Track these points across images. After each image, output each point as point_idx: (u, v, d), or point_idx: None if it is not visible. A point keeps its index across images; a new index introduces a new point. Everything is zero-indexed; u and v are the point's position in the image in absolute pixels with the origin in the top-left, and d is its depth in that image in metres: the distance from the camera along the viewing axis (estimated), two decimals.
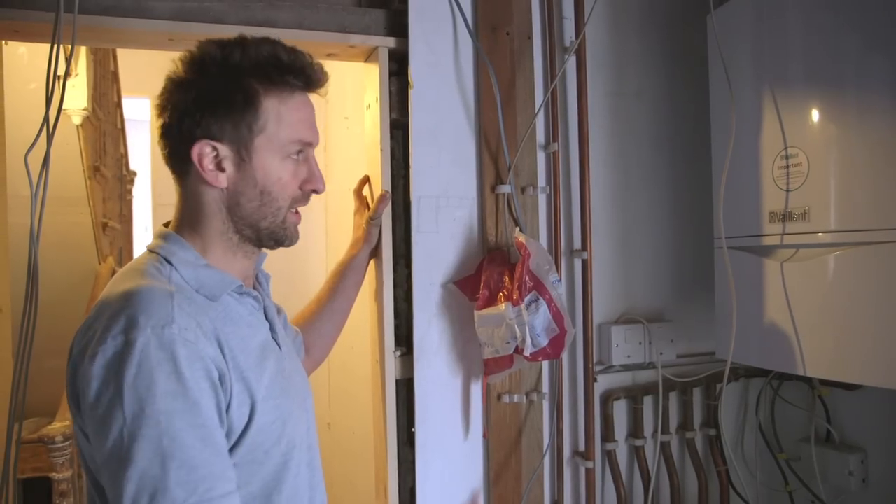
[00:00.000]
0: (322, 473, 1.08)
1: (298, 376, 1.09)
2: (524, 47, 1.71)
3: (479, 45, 1.65)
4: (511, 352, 1.46)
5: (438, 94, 1.64)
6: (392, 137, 1.63)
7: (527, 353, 1.44)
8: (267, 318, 1.05)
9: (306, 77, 1.01)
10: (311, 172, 1.04)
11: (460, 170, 1.65)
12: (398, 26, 1.63)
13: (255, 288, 1.11)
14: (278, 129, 0.99)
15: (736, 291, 1.52)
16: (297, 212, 1.06)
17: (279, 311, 1.19)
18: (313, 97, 1.06)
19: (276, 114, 0.99)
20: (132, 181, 4.12)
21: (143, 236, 5.09)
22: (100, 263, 3.09)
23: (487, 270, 1.55)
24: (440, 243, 1.62)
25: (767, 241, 1.48)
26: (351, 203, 1.63)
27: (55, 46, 1.33)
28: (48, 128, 1.33)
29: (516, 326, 1.44)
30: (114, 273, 3.27)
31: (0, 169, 1.43)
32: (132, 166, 4.23)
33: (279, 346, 1.04)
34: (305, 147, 1.03)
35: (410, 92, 1.61)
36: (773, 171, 1.47)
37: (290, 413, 0.98)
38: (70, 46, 1.39)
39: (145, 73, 4.94)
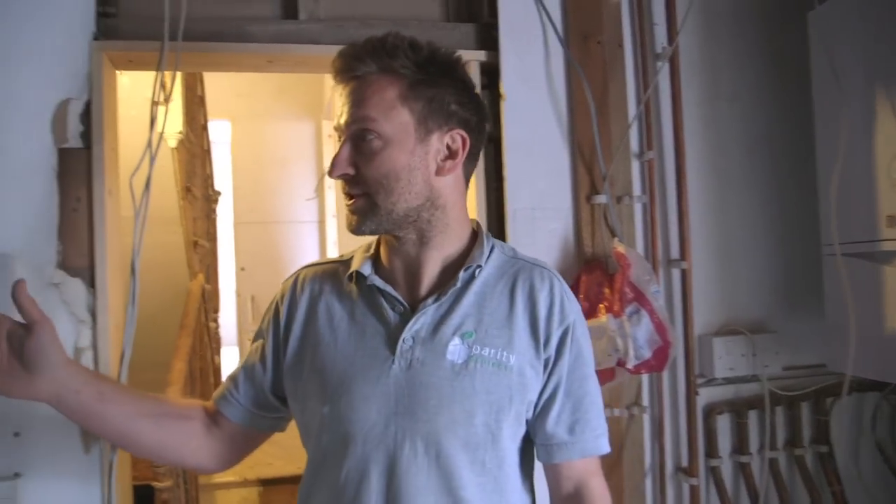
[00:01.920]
0: None
1: (407, 394, 0.96)
2: (616, 55, 1.68)
3: (570, 54, 1.64)
4: (613, 364, 1.43)
5: (530, 106, 1.63)
6: (485, 151, 1.63)
7: (630, 365, 1.41)
8: (389, 311, 1.01)
9: (335, 68, 1.01)
10: None
11: (554, 181, 1.63)
12: (488, 39, 1.64)
13: (440, 282, 1.02)
14: None
15: (851, 300, 1.44)
16: (347, 196, 1.00)
17: (460, 326, 0.99)
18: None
19: None
20: (217, 201, 4.26)
21: (227, 255, 5.26)
22: (191, 280, 3.20)
23: (586, 281, 1.53)
24: (536, 255, 1.57)
25: (886, 246, 1.40)
26: None
27: (160, 73, 1.39)
28: (151, 149, 1.39)
29: (618, 338, 1.41)
30: (203, 290, 3.39)
31: (115, 189, 1.50)
32: (216, 186, 4.38)
33: (387, 347, 0.98)
34: (338, 134, 1.02)
35: (502, 104, 1.61)
36: (891, 173, 1.40)
37: (352, 407, 0.97)
38: (170, 73, 1.45)
39: (226, 98, 5.18)
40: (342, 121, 0.98)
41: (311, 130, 5.77)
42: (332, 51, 1.54)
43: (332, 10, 1.62)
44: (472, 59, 1.62)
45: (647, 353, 1.42)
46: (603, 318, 1.44)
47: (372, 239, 1.09)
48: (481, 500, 0.95)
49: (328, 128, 5.62)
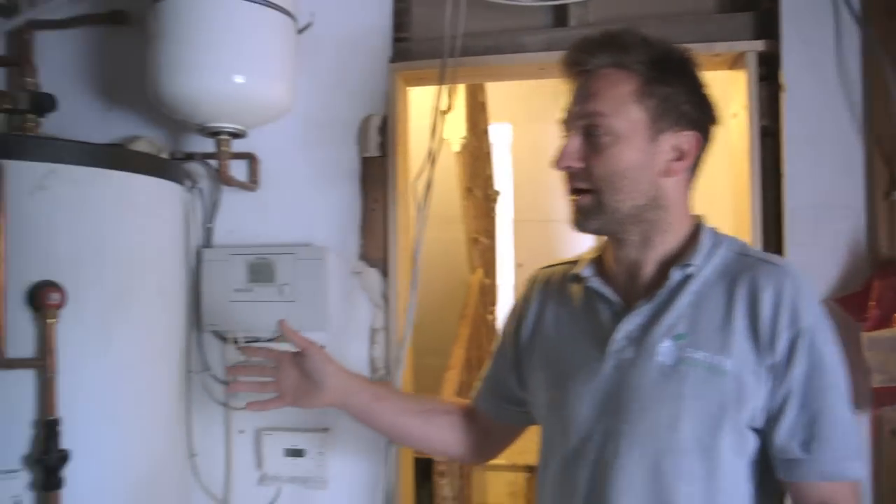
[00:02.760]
0: None
1: (625, 391, 0.97)
2: None
3: (870, 32, 1.47)
4: None
5: (815, 95, 1.51)
6: (764, 145, 1.55)
7: None
8: (605, 311, 1.02)
9: (566, 61, 1.03)
10: None
11: (842, 177, 1.49)
12: (767, 27, 1.55)
13: (651, 279, 1.01)
14: None
15: None
16: (570, 193, 1.02)
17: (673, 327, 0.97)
18: None
19: None
20: (496, 200, 4.54)
21: (505, 251, 5.55)
22: (471, 274, 3.47)
23: (879, 287, 1.38)
24: (818, 257, 1.48)
25: None
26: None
27: (442, 83, 1.56)
28: (432, 155, 1.56)
29: None
30: (482, 284, 3.64)
31: (405, 191, 1.72)
32: (496, 186, 4.66)
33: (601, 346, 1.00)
34: (563, 127, 1.03)
35: (782, 95, 1.51)
36: None
37: (565, 401, 1.01)
38: (457, 85, 1.61)
39: (506, 102, 5.46)
40: (572, 112, 1.00)
41: None
42: None
43: (600, 13, 1.66)
44: (749, 49, 1.54)
45: None
46: None
47: (603, 241, 1.10)
48: None
49: None
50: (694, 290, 0.97)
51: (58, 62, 1.76)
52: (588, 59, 0.98)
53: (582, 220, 1.00)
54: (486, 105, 3.97)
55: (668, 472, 0.93)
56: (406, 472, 1.69)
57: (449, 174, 3.05)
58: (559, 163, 0.99)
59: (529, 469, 3.11)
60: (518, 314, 1.17)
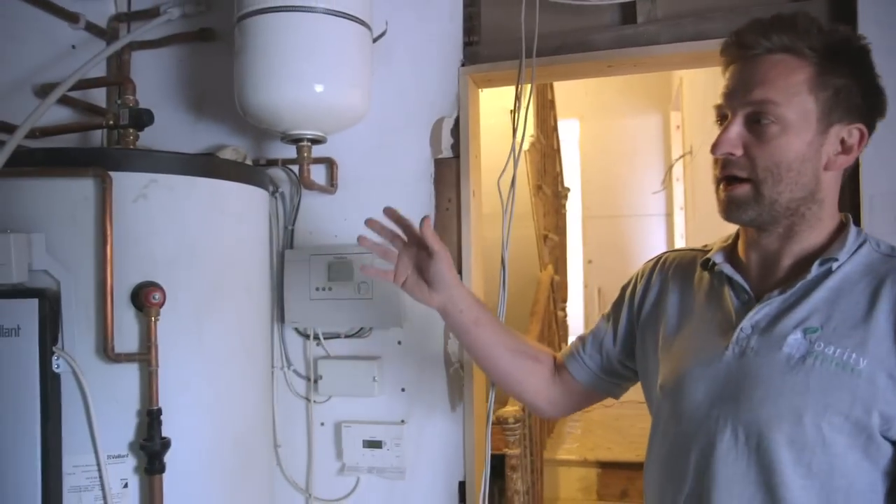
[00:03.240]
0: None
1: (744, 379, 0.96)
2: None
3: None
4: None
5: (892, 81, 1.46)
6: None
7: None
8: (734, 298, 1.02)
9: (732, 42, 0.99)
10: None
11: None
12: (844, 11, 1.52)
13: (784, 275, 1.00)
14: None
15: None
16: (723, 181, 0.98)
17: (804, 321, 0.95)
18: None
19: None
20: (566, 196, 4.53)
21: (575, 248, 5.54)
22: (541, 271, 3.48)
23: None
24: None
25: None
26: None
27: (519, 87, 1.59)
28: (514, 154, 1.60)
29: None
30: (552, 281, 3.65)
31: (478, 191, 1.76)
32: (566, 183, 4.65)
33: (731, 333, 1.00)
34: (719, 112, 1.00)
35: None
36: None
37: (682, 384, 1.01)
38: (526, 85, 1.64)
39: (575, 98, 5.44)
40: (736, 98, 0.96)
41: (657, 123, 5.75)
42: (670, 50, 1.61)
43: (668, 8, 1.66)
44: None
45: None
46: None
47: (731, 231, 1.09)
48: None
49: (676, 119, 5.53)
50: (832, 285, 0.94)
51: (151, 78, 1.89)
52: (759, 42, 0.94)
53: (735, 209, 0.97)
54: (555, 102, 3.98)
55: (787, 464, 0.90)
56: (479, 465, 1.74)
57: (519, 172, 3.07)
58: (717, 149, 0.96)
59: (601, 465, 3.12)
60: (639, 290, 1.18)
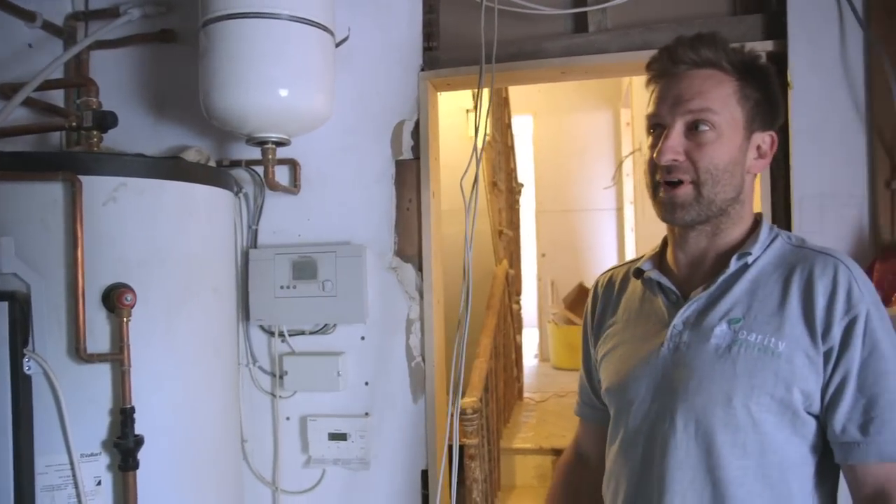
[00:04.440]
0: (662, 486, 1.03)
1: (680, 369, 1.04)
2: None
3: (870, 33, 1.56)
4: None
5: (820, 92, 1.59)
6: None
7: None
8: (665, 300, 1.11)
9: (665, 58, 1.07)
10: (658, 145, 1.04)
11: (847, 167, 1.58)
12: (775, 28, 1.63)
13: (711, 271, 1.08)
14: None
15: None
16: (666, 184, 1.05)
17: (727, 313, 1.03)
18: None
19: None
20: (519, 192, 4.63)
21: (529, 242, 5.66)
22: (496, 265, 3.57)
23: (880, 269, 1.47)
24: (825, 243, 1.51)
25: None
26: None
27: (479, 91, 1.67)
28: (476, 153, 1.67)
29: None
30: (507, 275, 3.75)
31: (437, 190, 1.83)
32: (520, 179, 4.75)
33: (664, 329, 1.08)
34: (653, 122, 1.06)
35: (790, 93, 1.60)
36: None
37: (626, 385, 1.09)
38: (483, 89, 1.72)
39: (528, 94, 5.54)
40: (675, 108, 1.03)
41: (608, 120, 5.89)
42: (619, 58, 1.71)
43: (618, 19, 1.75)
44: (759, 49, 1.60)
45: None
46: None
47: (659, 239, 1.19)
48: (741, 485, 0.97)
49: (626, 116, 5.68)
50: (750, 278, 1.03)
51: (111, 79, 1.89)
52: (690, 57, 1.03)
53: (679, 210, 1.04)
54: (508, 100, 4.06)
55: (724, 446, 0.98)
56: (440, 454, 1.81)
57: (473, 170, 3.14)
58: (663, 156, 1.02)
59: (556, 452, 3.22)
60: (589, 320, 1.26)
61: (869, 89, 1.57)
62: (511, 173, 4.29)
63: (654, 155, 1.04)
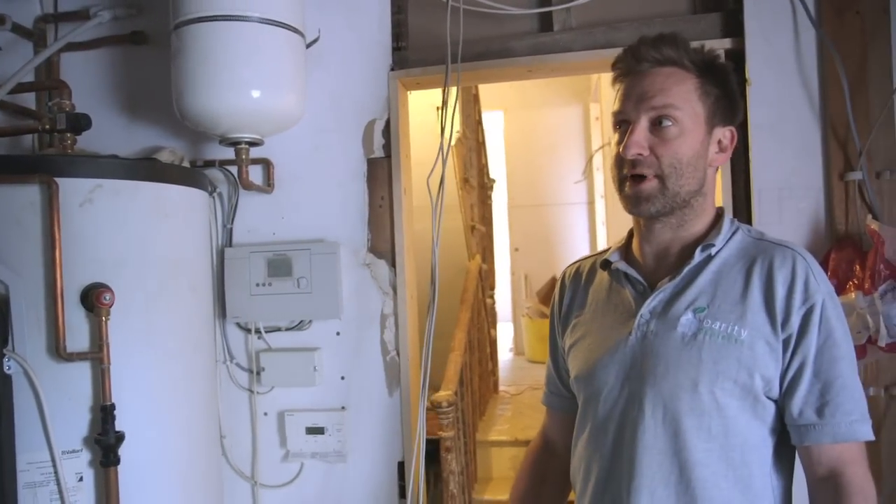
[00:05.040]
0: (636, 479, 1.06)
1: (649, 356, 1.08)
2: (879, 24, 1.63)
3: (822, 32, 1.63)
4: (863, 342, 1.43)
5: (778, 88, 1.66)
6: None
7: (881, 343, 1.40)
8: (632, 290, 1.16)
9: (629, 57, 1.11)
10: (624, 140, 1.08)
11: (804, 160, 1.65)
12: (733, 26, 1.70)
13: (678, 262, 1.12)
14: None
15: None
16: (632, 178, 1.08)
17: (694, 301, 1.08)
18: None
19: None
20: (491, 187, 4.68)
21: (501, 236, 5.71)
22: (469, 261, 3.62)
23: (835, 259, 1.54)
24: (783, 234, 1.57)
25: None
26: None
27: (446, 91, 1.71)
28: (442, 152, 1.71)
29: (868, 316, 1.41)
30: (480, 269, 3.80)
31: (408, 188, 1.87)
32: (491, 175, 4.80)
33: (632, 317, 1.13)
34: (619, 118, 1.10)
35: (748, 89, 1.66)
36: None
37: (594, 373, 1.14)
38: (452, 88, 1.76)
39: (499, 90, 5.59)
40: (639, 105, 1.07)
41: (578, 114, 5.97)
42: (584, 56, 1.76)
43: (582, 18, 1.80)
44: (718, 47, 1.69)
45: None
46: (851, 295, 1.45)
47: (625, 232, 1.24)
48: (706, 466, 1.02)
49: (595, 111, 5.76)
50: (714, 269, 1.08)
51: (82, 81, 1.90)
52: (652, 55, 1.08)
53: (644, 203, 1.08)
54: (478, 96, 4.11)
55: (690, 430, 1.03)
56: (417, 446, 1.85)
57: (446, 167, 3.18)
58: (629, 150, 1.06)
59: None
60: (556, 310, 1.29)
61: (822, 85, 1.64)
62: (483, 169, 4.33)
63: (621, 150, 1.08)
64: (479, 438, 3.38)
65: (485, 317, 3.96)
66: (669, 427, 1.04)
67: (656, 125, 1.07)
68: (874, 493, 1.01)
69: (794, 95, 1.66)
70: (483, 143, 4.38)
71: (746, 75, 1.66)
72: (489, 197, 4.59)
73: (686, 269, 1.10)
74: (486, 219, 4.43)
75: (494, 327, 4.32)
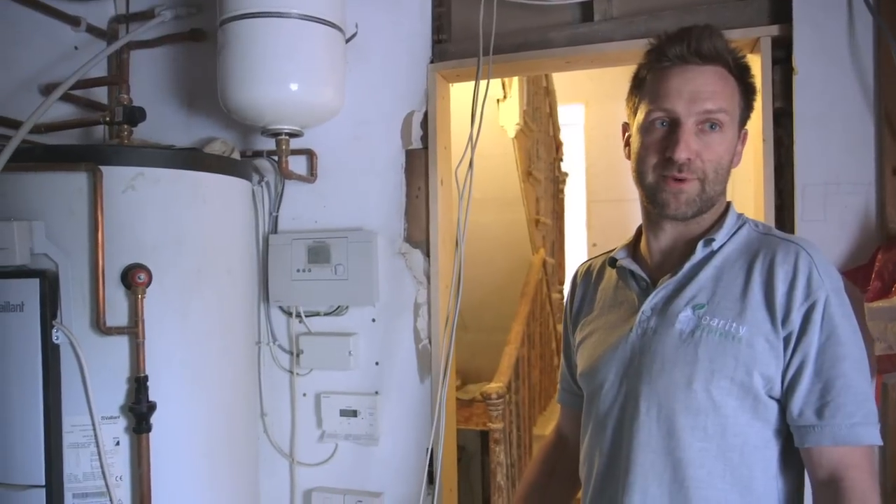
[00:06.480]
0: (638, 472, 1.05)
1: (646, 355, 1.07)
2: None
3: (880, 19, 1.52)
4: None
5: (827, 78, 1.57)
6: (780, 126, 1.62)
7: None
8: (636, 287, 1.15)
9: (673, 50, 1.05)
10: (670, 139, 1.04)
11: (853, 155, 1.55)
12: (781, 13, 1.62)
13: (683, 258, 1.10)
14: (646, 102, 1.08)
15: None
16: (672, 178, 1.04)
17: (693, 298, 1.06)
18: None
19: (649, 88, 1.09)
20: (564, 181, 4.63)
21: (577, 231, 5.63)
22: (533, 254, 3.60)
23: (882, 259, 1.44)
24: (827, 232, 1.55)
25: None
26: None
27: (478, 82, 1.72)
28: (471, 142, 1.72)
29: None
30: (545, 263, 3.77)
31: (446, 179, 1.89)
32: (566, 168, 4.75)
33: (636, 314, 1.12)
34: (666, 116, 1.05)
35: (794, 79, 1.58)
36: None
37: (597, 369, 1.13)
38: (500, 79, 1.76)
39: (580, 82, 5.50)
40: (691, 106, 1.03)
41: None
42: (623, 46, 1.73)
43: (623, 7, 1.76)
44: (764, 34, 1.62)
45: None
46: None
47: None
48: (701, 466, 1.00)
49: None
50: (716, 264, 1.06)
51: (148, 76, 2.04)
52: (709, 52, 1.04)
53: (687, 205, 1.06)
54: (551, 90, 4.07)
55: (685, 428, 1.01)
56: (450, 433, 1.88)
57: (508, 159, 3.19)
58: (681, 153, 1.02)
59: None
60: (568, 310, 1.31)
61: (878, 76, 1.54)
62: (554, 162, 4.30)
63: (673, 152, 1.03)
64: (537, 433, 3.37)
65: (550, 311, 3.94)
66: (664, 425, 1.03)
67: (703, 127, 1.04)
68: (877, 500, 0.96)
69: (846, 86, 1.56)
70: (555, 136, 4.34)
71: (794, 64, 1.58)
72: (561, 191, 4.55)
73: (688, 265, 1.08)
74: (556, 213, 4.39)
75: (561, 322, 4.28)
